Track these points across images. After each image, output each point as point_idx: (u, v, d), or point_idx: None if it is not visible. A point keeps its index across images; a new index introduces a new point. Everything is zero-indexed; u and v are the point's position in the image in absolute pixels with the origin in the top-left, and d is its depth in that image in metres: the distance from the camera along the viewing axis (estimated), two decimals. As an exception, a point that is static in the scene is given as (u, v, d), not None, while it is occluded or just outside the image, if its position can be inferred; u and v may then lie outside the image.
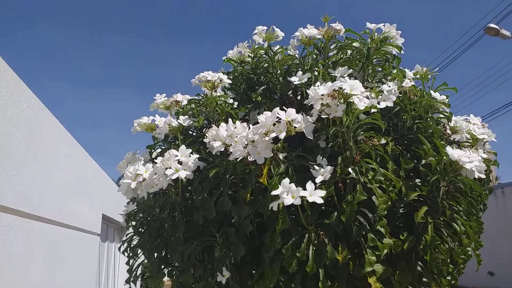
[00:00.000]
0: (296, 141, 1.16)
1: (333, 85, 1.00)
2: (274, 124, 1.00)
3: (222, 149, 1.11)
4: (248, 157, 1.00)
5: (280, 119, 0.99)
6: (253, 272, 1.14)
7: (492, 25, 7.34)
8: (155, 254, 1.20)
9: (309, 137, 1.01)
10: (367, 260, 0.99)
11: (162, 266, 1.24)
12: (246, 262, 1.15)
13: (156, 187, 1.19)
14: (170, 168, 1.15)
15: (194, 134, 1.34)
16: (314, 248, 0.99)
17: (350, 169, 0.99)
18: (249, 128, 1.08)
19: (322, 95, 1.02)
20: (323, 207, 1.08)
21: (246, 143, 1.04)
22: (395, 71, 1.20)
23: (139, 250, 1.24)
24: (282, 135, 0.97)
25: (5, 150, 2.56)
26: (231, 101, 1.32)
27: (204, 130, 1.32)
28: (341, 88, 1.00)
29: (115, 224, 6.12)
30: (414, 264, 1.12)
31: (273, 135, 0.98)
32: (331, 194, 0.99)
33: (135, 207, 1.28)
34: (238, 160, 1.03)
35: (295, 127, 1.00)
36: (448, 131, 1.25)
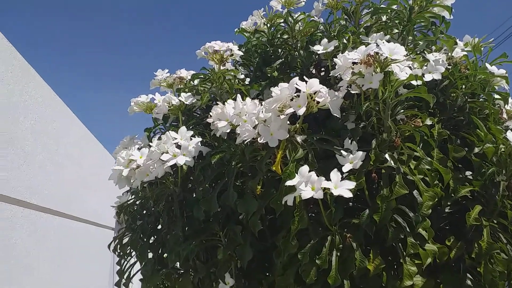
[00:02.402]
0: (318, 122, 0.96)
1: (368, 48, 0.79)
2: (292, 99, 0.80)
3: (228, 131, 0.92)
4: (258, 139, 0.80)
5: (300, 91, 0.79)
6: (262, 280, 0.94)
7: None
8: (150, 254, 1.02)
9: (335, 114, 0.81)
10: (406, 271, 0.78)
11: (158, 268, 1.06)
12: (254, 267, 0.96)
13: (152, 175, 1.01)
14: (167, 153, 0.96)
15: (198, 116, 1.15)
16: (338, 254, 0.79)
17: (387, 156, 0.78)
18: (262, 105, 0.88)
19: (354, 62, 0.81)
20: (350, 203, 0.88)
21: (256, 122, 0.85)
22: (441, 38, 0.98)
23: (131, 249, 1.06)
24: (301, 111, 0.77)
25: (10, 138, 2.44)
26: (242, 77, 1.12)
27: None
28: (377, 53, 0.79)
29: (130, 219, 6.04)
30: (463, 277, 0.90)
31: (290, 111, 0.78)
32: (362, 187, 0.78)
33: (129, 198, 1.10)
34: (246, 143, 0.84)
35: (318, 102, 0.80)
36: (504, 115, 1.02)
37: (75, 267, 3.53)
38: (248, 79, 1.12)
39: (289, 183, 0.74)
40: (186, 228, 0.98)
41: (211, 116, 0.97)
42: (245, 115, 0.89)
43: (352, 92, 0.86)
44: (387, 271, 0.82)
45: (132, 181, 1.03)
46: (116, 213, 1.11)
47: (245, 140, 0.83)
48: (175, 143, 0.97)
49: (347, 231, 0.80)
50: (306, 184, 0.73)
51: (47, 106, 3.00)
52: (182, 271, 1.01)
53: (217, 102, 1.00)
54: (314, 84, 0.78)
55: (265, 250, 0.92)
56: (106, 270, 4.61)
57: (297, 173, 0.75)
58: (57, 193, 3.12)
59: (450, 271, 0.91)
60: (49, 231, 3.01)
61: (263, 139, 0.80)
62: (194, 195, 1.00)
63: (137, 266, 1.13)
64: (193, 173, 1.01)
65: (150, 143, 1.02)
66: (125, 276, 1.09)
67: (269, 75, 1.08)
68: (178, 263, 1.00)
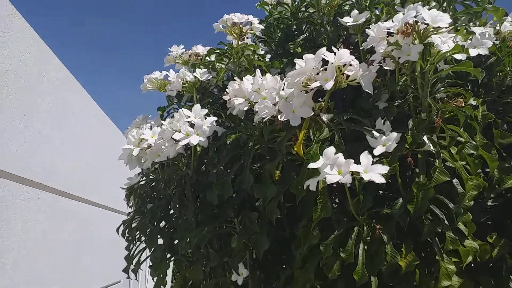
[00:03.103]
0: (346, 101, 0.87)
1: (406, 16, 0.69)
2: (318, 73, 0.71)
3: (245, 108, 0.84)
4: (279, 117, 0.72)
5: (327, 64, 0.70)
6: (279, 273, 0.86)
7: None
8: (160, 240, 0.95)
9: (367, 90, 0.71)
10: (443, 269, 0.69)
11: (168, 255, 0.99)
12: (270, 258, 0.88)
13: (163, 156, 0.94)
14: (180, 132, 0.89)
15: (215, 94, 1.07)
16: (365, 247, 0.70)
17: (425, 138, 0.68)
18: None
19: (389, 32, 0.72)
20: (380, 191, 0.78)
21: (277, 99, 0.76)
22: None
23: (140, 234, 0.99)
24: (329, 85, 0.68)
25: (27, 120, 2.43)
26: (262, 53, 1.04)
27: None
28: (416, 22, 0.69)
29: (148, 206, 6.05)
30: (505, 279, 0.80)
31: (316, 85, 0.69)
32: (395, 173, 0.69)
33: (139, 180, 1.04)
34: (265, 122, 0.76)
35: (347, 76, 0.71)
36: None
37: (92, 253, 3.53)
38: (268, 56, 1.04)
39: (312, 165, 0.66)
40: (199, 214, 0.91)
41: (227, 93, 0.89)
42: (265, 91, 0.80)
43: (386, 68, 0.77)
44: (421, 269, 0.73)
45: (142, 161, 0.97)
46: (126, 195, 1.05)
47: (264, 118, 0.74)
48: (188, 122, 0.90)
49: (376, 222, 0.71)
50: (332, 167, 0.65)
51: (65, 89, 2.98)
52: (193, 259, 0.94)
53: (235, 79, 0.92)
54: (344, 55, 0.69)
55: (283, 240, 0.84)
56: (123, 255, 4.62)
57: (322, 155, 0.67)
58: (75, 177, 3.11)
59: (489, 271, 0.82)
60: (66, 215, 3.01)
61: (284, 116, 0.71)
62: (208, 178, 0.93)
63: (147, 252, 1.07)
64: (207, 155, 0.93)
65: (163, 123, 0.95)
66: (133, 262, 1.03)
67: (291, 51, 0.99)
68: (189, 250, 0.93)
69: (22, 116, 2.36)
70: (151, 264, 0.98)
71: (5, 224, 2.16)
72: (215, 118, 0.92)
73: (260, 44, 1.11)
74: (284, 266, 0.89)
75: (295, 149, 0.71)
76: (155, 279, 1.01)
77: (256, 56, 0.98)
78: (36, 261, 2.58)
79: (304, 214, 0.78)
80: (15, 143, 2.25)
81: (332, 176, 0.64)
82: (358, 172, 0.64)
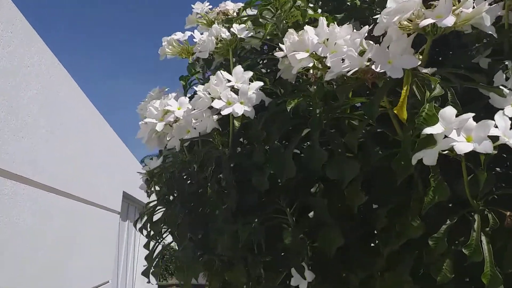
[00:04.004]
0: (432, 56, 0.70)
1: None
2: (427, 7, 0.53)
3: (310, 64, 0.65)
4: (373, 66, 0.53)
5: (436, -3, 0.52)
6: (351, 277, 0.68)
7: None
8: (188, 235, 0.76)
9: (490, 32, 0.54)
10: None
11: (199, 254, 0.80)
12: (340, 258, 0.70)
13: (195, 132, 0.75)
14: (220, 99, 0.70)
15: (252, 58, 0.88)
16: (488, 240, 0.53)
17: None
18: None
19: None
20: (497, 168, 0.61)
21: (359, 48, 0.58)
22: None
23: (164, 228, 0.80)
24: (449, 21, 0.49)
25: (11, 106, 2.19)
26: (312, 6, 0.85)
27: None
28: None
29: (136, 203, 5.79)
30: None
31: (427, 22, 0.51)
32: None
33: (161, 164, 0.84)
34: (350, 74, 0.57)
35: (463, 12, 0.53)
36: None
37: (79, 251, 3.30)
38: (319, 11, 0.85)
39: (429, 130, 0.48)
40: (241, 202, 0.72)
41: (279, 49, 0.70)
42: (335, 43, 0.62)
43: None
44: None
45: (168, 138, 0.77)
46: (146, 180, 0.85)
47: (346, 72, 0.56)
48: (230, 87, 0.71)
49: (502, 208, 0.53)
50: (458, 132, 0.47)
51: (51, 75, 2.73)
52: (231, 260, 0.75)
53: (279, 45, 0.73)
54: (463, -17, 0.51)
55: (361, 235, 0.66)
56: (111, 253, 4.38)
57: (439, 118, 0.49)
58: (62, 172, 2.86)
59: None
60: (53, 211, 2.77)
61: (379, 67, 0.53)
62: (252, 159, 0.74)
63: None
64: (249, 129, 0.74)
65: (197, 89, 0.76)
66: (154, 264, 0.83)
67: (348, 3, 0.81)
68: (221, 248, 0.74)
69: (4, 102, 2.12)
70: (177, 264, 0.79)
71: (-13, 222, 1.93)
72: (262, 83, 0.73)
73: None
74: (359, 269, 0.71)
75: (395, 111, 0.53)
76: (181, 282, 0.81)
77: (308, 9, 0.79)
78: (21, 261, 2.35)
79: (387, 199, 0.61)
80: (-3, 131, 2.02)
81: (463, 145, 0.46)
82: (500, 136, 0.46)
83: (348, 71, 0.56)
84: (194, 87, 0.94)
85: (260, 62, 0.87)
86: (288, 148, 0.65)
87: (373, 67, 0.53)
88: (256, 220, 0.66)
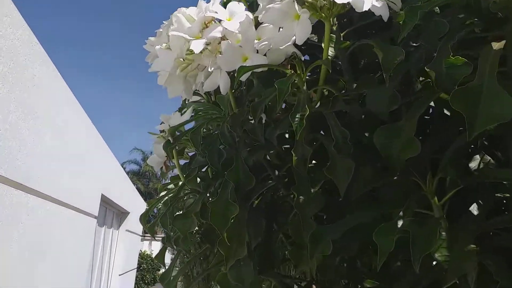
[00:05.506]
0: None
1: None
2: None
3: None
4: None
5: None
6: None
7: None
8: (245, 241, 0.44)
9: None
10: None
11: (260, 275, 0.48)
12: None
13: (260, 58, 0.44)
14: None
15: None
16: None
17: None
18: None
19: None
20: None
21: None
22: None
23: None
24: None
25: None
26: None
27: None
28: None
29: (115, 208, 5.35)
30: None
31: None
32: None
33: (191, 118, 0.52)
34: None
35: None
36: None
37: (51, 257, 2.88)
38: None
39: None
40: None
41: None
42: None
43: None
44: None
45: (210, 69, 0.46)
46: (165, 144, 0.51)
47: None
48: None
49: None
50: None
51: (25, 53, 2.35)
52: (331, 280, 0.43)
53: None
54: None
55: None
56: (86, 259, 3.94)
57: None
58: (33, 167, 2.46)
59: None
60: (20, 211, 2.37)
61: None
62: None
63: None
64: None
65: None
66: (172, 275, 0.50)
67: None
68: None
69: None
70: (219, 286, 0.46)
71: None
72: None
73: None
74: None
75: None
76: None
77: None
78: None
79: None
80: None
81: None
82: None
83: None
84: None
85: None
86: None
87: None
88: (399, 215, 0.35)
